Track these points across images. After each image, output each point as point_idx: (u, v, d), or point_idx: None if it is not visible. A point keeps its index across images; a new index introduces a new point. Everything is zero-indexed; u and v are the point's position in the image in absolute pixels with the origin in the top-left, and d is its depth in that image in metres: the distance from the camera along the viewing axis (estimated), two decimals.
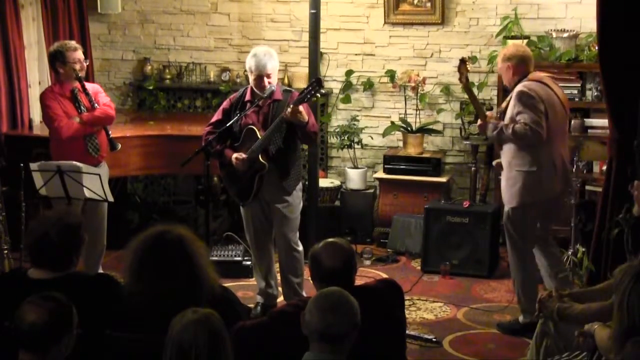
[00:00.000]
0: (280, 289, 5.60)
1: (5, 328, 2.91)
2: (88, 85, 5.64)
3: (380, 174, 7.15)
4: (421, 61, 7.34)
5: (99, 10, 7.64)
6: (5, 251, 5.63)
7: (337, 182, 7.34)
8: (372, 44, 7.42)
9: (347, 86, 7.44)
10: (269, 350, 3.23)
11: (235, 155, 5.19)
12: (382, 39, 7.38)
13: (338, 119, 7.52)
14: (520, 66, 5.20)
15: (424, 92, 7.21)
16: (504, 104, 5.34)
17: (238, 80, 7.55)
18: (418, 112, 7.32)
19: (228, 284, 5.26)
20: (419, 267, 6.53)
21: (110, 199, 5.33)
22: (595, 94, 6.65)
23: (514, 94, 5.15)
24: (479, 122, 5.36)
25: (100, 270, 5.61)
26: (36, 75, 7.03)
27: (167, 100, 7.77)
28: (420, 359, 5.01)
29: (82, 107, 5.56)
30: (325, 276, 3.26)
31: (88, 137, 5.55)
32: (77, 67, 5.51)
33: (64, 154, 5.41)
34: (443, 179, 7.03)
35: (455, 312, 5.70)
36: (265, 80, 5.14)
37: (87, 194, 5.22)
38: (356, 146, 7.31)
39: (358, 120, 7.37)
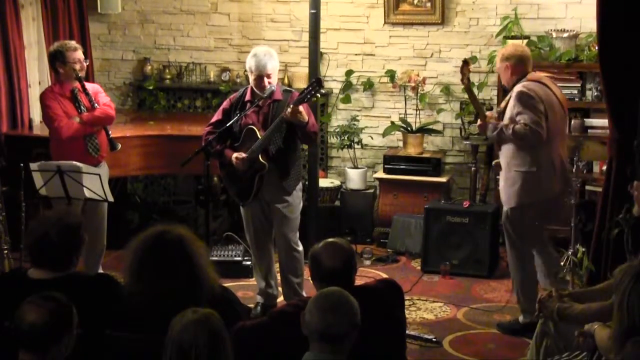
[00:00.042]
0: (280, 289, 5.60)
1: (5, 328, 2.91)
2: (88, 85, 5.64)
3: (380, 174, 7.15)
4: (421, 61, 7.34)
5: (99, 10, 7.64)
6: (5, 251, 5.63)
7: (337, 182, 7.34)
8: (372, 44, 7.42)
9: (347, 86, 7.44)
10: (269, 350, 3.23)
11: (235, 155, 5.19)
12: (382, 39, 7.39)
13: (338, 119, 7.52)
14: (519, 66, 5.21)
15: (424, 92, 7.21)
16: (502, 104, 5.34)
17: (238, 80, 7.55)
18: (418, 112, 7.32)
19: (228, 284, 5.26)
20: (419, 267, 6.53)
21: (110, 199, 5.33)
22: (595, 94, 6.65)
23: (513, 94, 5.15)
24: (479, 122, 5.36)
25: (100, 270, 5.61)
26: (36, 75, 7.03)
27: (167, 100, 7.77)
28: (420, 359, 5.01)
29: (82, 107, 5.56)
30: (325, 276, 3.26)
31: (88, 137, 5.55)
32: (77, 67, 5.51)
33: (64, 154, 5.41)
34: (443, 179, 7.03)
35: (455, 312, 5.70)
36: (266, 80, 5.15)
37: (87, 194, 5.22)
38: (356, 146, 7.31)
39: (358, 120, 7.37)
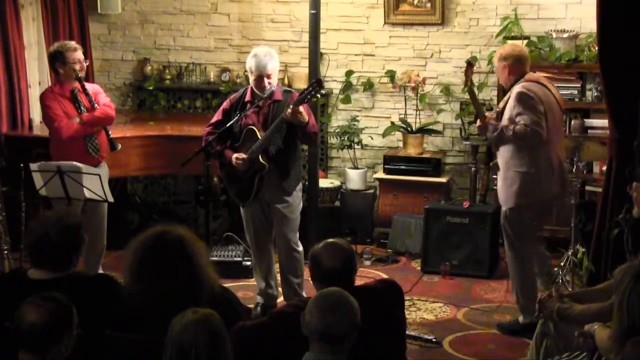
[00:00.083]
0: (280, 289, 5.60)
1: (5, 328, 2.91)
2: (88, 86, 5.64)
3: (380, 174, 7.15)
4: (421, 61, 7.34)
5: (99, 11, 7.64)
6: (5, 251, 5.63)
7: (337, 183, 7.34)
8: (372, 44, 7.42)
9: (347, 86, 7.44)
10: (269, 351, 3.23)
11: (235, 155, 5.19)
12: (382, 39, 7.39)
13: (338, 119, 7.52)
14: (517, 66, 5.21)
15: (424, 93, 7.21)
16: (501, 104, 5.34)
17: (238, 80, 7.55)
18: (418, 113, 7.32)
19: (228, 284, 5.26)
20: (419, 268, 6.53)
21: (110, 199, 5.33)
22: (595, 94, 6.65)
23: (513, 94, 5.15)
24: (479, 123, 5.36)
25: (100, 271, 5.61)
26: (36, 75, 7.03)
27: (167, 101, 7.77)
28: (420, 359, 5.01)
29: (82, 108, 5.56)
30: (325, 276, 3.26)
31: (88, 138, 5.55)
32: (77, 67, 5.51)
33: (64, 154, 5.41)
34: (443, 179, 7.03)
35: (455, 312, 5.70)
36: (266, 80, 5.14)
37: (87, 194, 5.22)
38: (356, 146, 7.31)
39: (358, 121, 7.37)
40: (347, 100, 7.45)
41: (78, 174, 5.18)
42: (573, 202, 5.70)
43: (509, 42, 6.47)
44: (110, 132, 5.68)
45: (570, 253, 5.63)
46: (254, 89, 5.21)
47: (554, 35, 6.81)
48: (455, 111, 7.23)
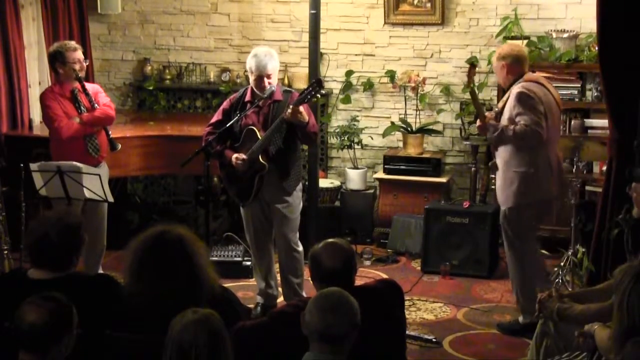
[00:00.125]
0: (280, 289, 5.60)
1: (5, 328, 2.91)
2: (88, 86, 5.64)
3: (380, 174, 7.15)
4: (421, 61, 7.34)
5: (99, 11, 7.64)
6: (5, 251, 5.63)
7: (337, 183, 7.34)
8: (372, 44, 7.42)
9: (347, 86, 7.44)
10: (269, 351, 3.23)
11: (235, 155, 5.19)
12: (382, 39, 7.38)
13: (338, 119, 7.52)
14: (515, 66, 5.21)
15: (424, 93, 7.21)
16: (500, 104, 5.35)
17: (238, 80, 7.55)
18: (418, 113, 7.32)
19: (228, 284, 5.26)
20: (419, 268, 6.53)
21: (110, 199, 5.33)
22: (595, 94, 6.65)
23: (512, 94, 5.15)
24: (479, 123, 5.35)
25: (100, 271, 5.61)
26: (36, 75, 7.03)
27: (167, 101, 7.77)
28: (420, 359, 5.01)
29: (82, 108, 5.56)
30: (325, 276, 3.26)
31: (88, 138, 5.55)
32: (77, 67, 5.51)
33: (64, 154, 5.41)
34: (443, 179, 7.03)
35: (455, 312, 5.70)
36: (266, 80, 5.14)
37: (87, 194, 5.22)
38: (356, 146, 7.31)
39: (358, 121, 7.37)
40: (347, 100, 7.45)
41: (78, 174, 5.18)
42: (573, 202, 5.70)
43: (509, 42, 6.48)
44: (110, 132, 5.68)
45: (570, 253, 5.63)
46: (254, 89, 5.21)
47: (554, 35, 6.81)
48: (455, 111, 7.23)
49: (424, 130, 7.21)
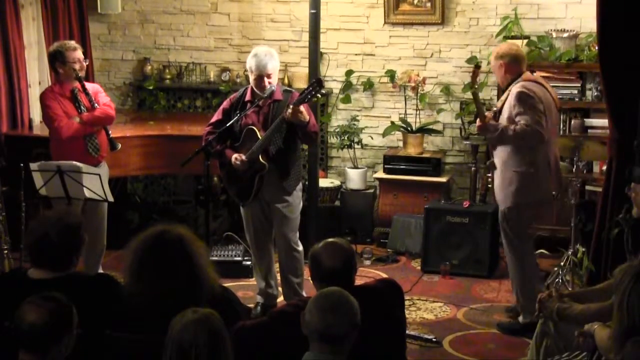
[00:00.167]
0: (280, 289, 5.60)
1: (5, 328, 2.91)
2: (88, 85, 5.64)
3: (380, 174, 7.15)
4: (421, 61, 7.34)
5: (99, 10, 7.64)
6: (5, 251, 5.63)
7: (337, 182, 7.34)
8: (372, 44, 7.42)
9: (347, 86, 7.44)
10: (269, 350, 3.23)
11: (235, 156, 5.19)
12: (382, 39, 7.38)
13: (338, 119, 7.52)
14: (513, 65, 5.21)
15: (424, 92, 7.21)
16: (499, 104, 5.35)
17: (238, 80, 7.55)
18: (418, 112, 7.32)
19: (228, 284, 5.26)
20: (419, 267, 6.53)
21: (110, 199, 5.33)
22: (595, 94, 6.65)
23: (512, 94, 5.15)
24: (479, 123, 5.35)
25: (100, 270, 5.61)
26: (36, 75, 7.03)
27: (167, 100, 7.77)
28: (420, 359, 5.01)
29: (82, 107, 5.56)
30: (325, 276, 3.26)
31: (88, 137, 5.55)
32: (77, 67, 5.51)
33: (64, 154, 5.41)
34: (443, 179, 7.03)
35: (455, 312, 5.70)
36: (266, 80, 5.14)
37: (87, 194, 5.22)
38: (356, 146, 7.31)
39: (358, 120, 7.37)
40: (347, 100, 7.45)
41: (78, 174, 5.18)
42: (573, 202, 5.70)
43: (507, 41, 6.48)
44: (110, 132, 5.68)
45: (570, 253, 5.63)
46: (254, 89, 5.21)
47: (554, 35, 6.81)
48: (455, 111, 7.23)
49: (424, 130, 7.21)
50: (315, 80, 5.14)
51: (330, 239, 3.40)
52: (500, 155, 5.24)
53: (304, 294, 5.34)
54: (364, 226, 7.12)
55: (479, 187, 6.89)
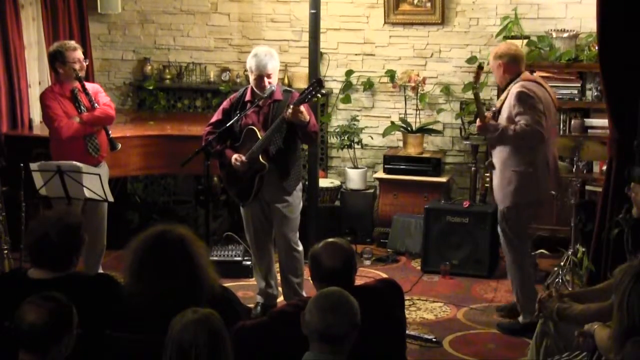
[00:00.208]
0: (280, 289, 5.60)
1: (5, 328, 2.91)
2: (88, 85, 5.64)
3: (380, 174, 7.15)
4: (421, 61, 7.34)
5: (99, 10, 7.64)
6: (5, 251, 5.63)
7: (337, 182, 7.34)
8: (372, 44, 7.42)
9: (347, 86, 7.44)
10: (269, 350, 3.23)
11: (235, 156, 5.19)
12: (382, 39, 7.38)
13: (338, 119, 7.52)
14: (512, 65, 5.21)
15: (424, 92, 7.21)
16: (498, 104, 5.35)
17: (238, 80, 7.55)
18: (418, 112, 7.32)
19: (228, 284, 5.26)
20: (419, 267, 6.53)
21: (110, 199, 5.33)
22: (595, 94, 6.65)
23: (512, 94, 5.15)
24: (479, 123, 5.35)
25: (100, 270, 5.61)
26: (36, 75, 7.03)
27: (167, 100, 7.77)
28: (420, 359, 5.01)
29: (82, 107, 5.56)
30: (325, 276, 3.26)
31: (88, 137, 5.55)
32: (77, 66, 5.51)
33: (64, 154, 5.41)
34: (443, 179, 7.03)
35: (455, 312, 5.70)
36: (266, 80, 5.14)
37: (87, 194, 5.22)
38: (356, 146, 7.31)
39: (358, 120, 7.37)
40: (347, 100, 7.45)
41: (78, 174, 5.18)
42: (573, 202, 5.70)
43: (506, 41, 6.48)
44: (110, 132, 5.68)
45: (570, 253, 5.63)
46: (254, 89, 5.21)
47: (554, 34, 6.81)
48: (455, 111, 7.23)
49: (424, 130, 7.21)
50: (316, 80, 5.14)
51: (330, 239, 3.40)
52: (499, 155, 5.25)
53: (304, 294, 5.34)
54: (364, 226, 7.12)
55: (479, 187, 6.89)
